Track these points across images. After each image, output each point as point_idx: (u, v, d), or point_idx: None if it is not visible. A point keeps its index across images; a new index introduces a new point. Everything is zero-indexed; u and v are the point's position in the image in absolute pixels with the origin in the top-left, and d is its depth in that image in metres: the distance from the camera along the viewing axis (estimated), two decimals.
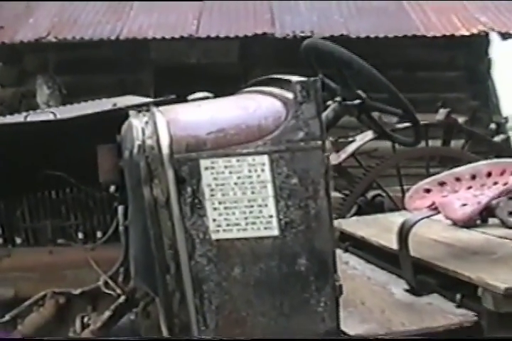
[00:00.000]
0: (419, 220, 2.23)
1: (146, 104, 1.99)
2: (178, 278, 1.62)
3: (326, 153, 1.61)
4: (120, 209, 1.98)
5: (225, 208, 1.64)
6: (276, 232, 1.63)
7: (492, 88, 7.52)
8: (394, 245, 2.42)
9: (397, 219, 3.04)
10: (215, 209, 1.63)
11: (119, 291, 2.00)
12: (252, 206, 1.63)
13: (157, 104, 1.89)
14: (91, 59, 6.53)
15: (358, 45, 6.17)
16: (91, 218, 2.26)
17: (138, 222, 1.75)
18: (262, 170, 1.62)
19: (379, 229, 2.84)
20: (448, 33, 6.18)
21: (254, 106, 1.72)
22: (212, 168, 1.62)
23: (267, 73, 1.95)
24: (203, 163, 1.62)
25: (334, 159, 3.81)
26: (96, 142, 1.97)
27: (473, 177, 2.50)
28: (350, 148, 3.77)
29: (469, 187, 2.45)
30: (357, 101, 2.00)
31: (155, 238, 1.63)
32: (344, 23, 6.28)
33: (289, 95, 1.65)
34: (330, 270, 1.68)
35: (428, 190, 2.49)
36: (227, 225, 1.63)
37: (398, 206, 3.74)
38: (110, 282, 2.01)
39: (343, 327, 1.86)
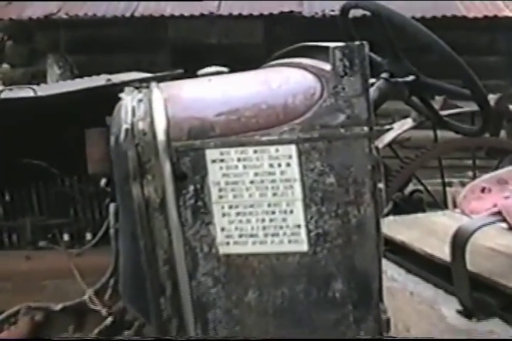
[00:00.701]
0: (479, 228, 1.84)
1: (147, 80, 1.59)
2: (176, 303, 1.31)
3: (374, 143, 1.20)
4: (112, 207, 1.60)
5: (238, 214, 1.28)
6: (304, 247, 1.27)
7: None
8: (442, 253, 2.06)
9: (441, 219, 2.68)
10: (224, 215, 1.28)
11: (104, 311, 1.62)
12: (273, 212, 1.27)
13: (160, 80, 1.49)
14: (104, 37, 6.17)
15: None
16: (78, 217, 1.88)
17: (126, 228, 1.40)
18: (288, 165, 1.24)
19: (421, 233, 2.46)
20: (490, 14, 5.75)
21: (279, 80, 1.32)
22: (222, 160, 1.26)
23: None
24: (210, 153, 1.26)
25: None
26: (84, 125, 1.64)
27: None
28: (388, 138, 3.37)
29: None
30: (410, 78, 1.58)
31: (146, 250, 1.29)
32: (378, 1, 5.85)
33: (326, 66, 1.25)
34: (374, 298, 1.32)
35: (486, 189, 2.08)
36: (240, 236, 1.28)
37: (438, 202, 3.36)
38: (94, 298, 1.63)
39: None
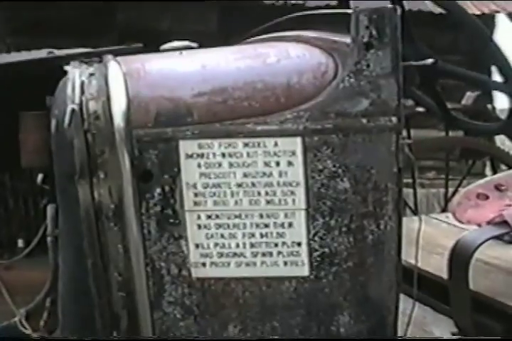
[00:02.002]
0: (484, 241, 1.60)
1: (99, 53, 1.30)
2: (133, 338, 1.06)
3: (403, 138, 0.93)
4: (50, 209, 1.30)
5: (219, 226, 1.01)
6: (305, 271, 1.01)
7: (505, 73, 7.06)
8: (430, 267, 1.82)
9: (416, 226, 2.46)
10: (200, 227, 1.01)
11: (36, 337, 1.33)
12: (266, 225, 1.00)
13: (115, 55, 1.20)
14: (47, 19, 5.81)
15: None
16: (9, 219, 1.58)
17: (69, 240, 1.12)
18: (290, 164, 0.98)
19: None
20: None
21: (277, 54, 1.04)
22: (201, 155, 0.99)
23: None
24: (185, 146, 0.99)
25: None
26: (19, 108, 1.35)
27: None
28: None
29: None
30: (428, 61, 1.32)
31: (95, 271, 1.03)
32: None
33: (339, 38, 0.97)
34: (388, 335, 1.04)
35: (481, 196, 1.85)
36: (221, 255, 1.03)
37: (410, 206, 3.15)
38: (24, 323, 1.34)
39: None
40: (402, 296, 1.98)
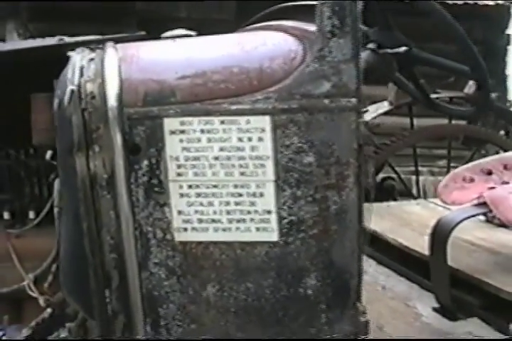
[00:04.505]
0: (462, 220, 1.69)
1: (104, 40, 1.39)
2: (123, 296, 1.14)
3: (361, 117, 1.03)
4: (57, 182, 1.39)
5: (199, 195, 1.10)
6: (274, 236, 1.09)
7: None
8: (417, 246, 1.94)
9: (414, 209, 2.54)
10: (182, 195, 1.10)
11: (42, 300, 1.43)
12: (240, 194, 1.09)
13: (120, 42, 1.29)
14: (68, 7, 5.89)
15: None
16: (21, 193, 1.67)
17: (69, 208, 1.20)
18: (260, 140, 1.06)
19: (394, 222, 2.32)
20: (471, 2, 5.59)
21: (255, 42, 1.14)
22: (183, 131, 1.08)
23: None
24: (169, 123, 1.08)
25: None
26: (31, 90, 1.44)
27: None
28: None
29: None
30: (402, 49, 1.40)
31: (90, 234, 1.11)
32: None
33: (311, 27, 1.06)
34: (351, 297, 1.13)
35: (468, 179, 1.92)
36: (200, 221, 1.10)
37: (411, 191, 3.21)
38: (32, 286, 1.43)
39: None
40: (391, 273, 2.07)
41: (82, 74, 1.11)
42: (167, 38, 1.30)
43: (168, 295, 1.12)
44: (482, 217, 2.21)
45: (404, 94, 3.18)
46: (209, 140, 1.06)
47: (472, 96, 3.31)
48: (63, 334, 1.50)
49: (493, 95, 3.37)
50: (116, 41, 1.29)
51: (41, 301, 1.47)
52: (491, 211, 1.69)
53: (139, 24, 5.45)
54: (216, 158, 1.07)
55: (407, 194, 3.32)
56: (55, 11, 5.86)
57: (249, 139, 1.05)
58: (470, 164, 2.00)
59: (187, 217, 1.09)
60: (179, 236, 1.10)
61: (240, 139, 1.06)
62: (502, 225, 2.21)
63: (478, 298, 1.68)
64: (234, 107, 1.04)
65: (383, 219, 2.37)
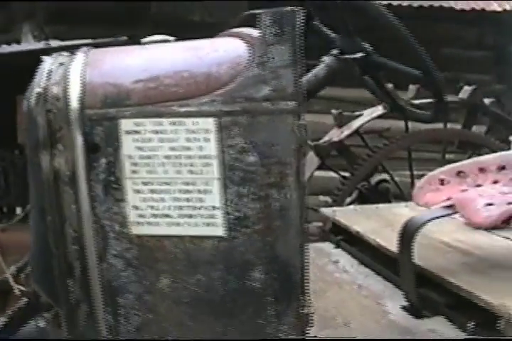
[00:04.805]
0: (428, 221, 1.74)
1: (87, 45, 1.46)
2: (85, 286, 1.20)
3: (301, 120, 1.09)
4: None
5: (152, 191, 1.16)
6: (220, 231, 1.16)
7: None
8: (394, 246, 1.95)
9: (402, 211, 2.58)
10: (137, 191, 1.16)
11: (17, 291, 1.50)
12: (189, 191, 1.15)
13: (102, 46, 1.37)
14: (83, 8, 5.99)
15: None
16: (9, 189, 1.75)
17: (35, 203, 1.27)
18: (206, 140, 1.13)
19: (379, 223, 2.37)
20: (478, 7, 5.62)
21: (209, 48, 1.21)
22: (137, 132, 1.14)
23: None
24: (125, 124, 1.14)
25: (336, 135, 3.30)
26: (18, 92, 1.48)
27: (502, 168, 1.98)
28: (355, 124, 3.24)
29: (495, 182, 1.92)
30: (359, 55, 1.46)
31: (54, 227, 1.18)
32: None
33: (257, 33, 1.13)
34: (295, 290, 1.18)
35: (444, 181, 1.97)
36: (154, 216, 1.17)
37: (405, 194, 3.26)
38: (10, 278, 1.51)
39: None
40: (370, 273, 2.12)
41: (49, 78, 1.18)
42: (145, 43, 1.38)
43: (126, 286, 1.18)
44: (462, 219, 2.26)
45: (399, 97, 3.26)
46: (160, 140, 1.13)
47: (466, 100, 3.38)
48: (40, 323, 1.58)
49: (488, 101, 3.43)
50: (101, 46, 1.37)
51: (16, 291, 1.54)
52: (457, 212, 1.73)
53: (154, 27, 5.55)
54: (167, 157, 1.13)
55: (401, 197, 3.37)
56: (71, 13, 5.97)
57: (197, 140, 1.12)
58: (446, 167, 2.04)
59: (142, 211, 1.15)
60: (135, 230, 1.16)
61: (188, 139, 1.12)
62: (481, 227, 2.26)
63: (445, 297, 1.73)
64: (182, 109, 1.11)
65: (369, 220, 2.43)
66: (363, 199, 3.13)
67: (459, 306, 1.67)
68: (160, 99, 1.13)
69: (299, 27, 1.08)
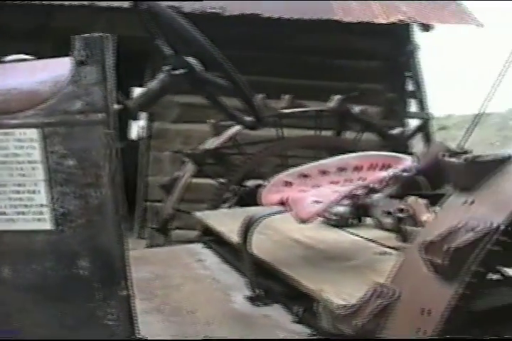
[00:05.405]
0: (262, 217, 1.94)
1: None
2: None
3: (111, 129, 1.28)
4: None
5: None
6: (49, 226, 1.34)
7: (418, 82, 7.32)
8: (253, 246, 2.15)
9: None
10: None
11: None
12: (20, 191, 1.33)
13: None
14: None
15: (271, 25, 5.88)
16: None
17: None
18: (32, 148, 1.31)
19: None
20: (365, 20, 5.91)
21: (40, 68, 1.39)
22: None
23: None
24: None
25: (211, 143, 3.50)
26: None
27: (341, 170, 2.20)
28: (229, 132, 3.45)
29: (334, 182, 2.14)
30: (180, 71, 1.66)
31: None
32: (257, 1, 5.91)
33: None
34: (118, 276, 1.36)
35: (288, 183, 2.18)
36: None
37: None
38: None
39: None
40: (229, 269, 2.30)
41: None
42: (5, 62, 1.55)
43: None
44: (321, 219, 2.48)
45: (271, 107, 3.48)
46: None
47: (335, 109, 3.63)
48: None
49: (357, 109, 3.68)
50: None
51: None
52: (291, 210, 1.92)
53: (57, 41, 5.61)
54: (2, 163, 1.31)
55: None
56: None
57: (24, 147, 1.30)
58: (291, 170, 2.26)
59: None
60: None
61: (17, 147, 1.30)
62: (336, 225, 2.49)
63: (282, 287, 1.94)
64: (12, 122, 1.29)
65: (235, 221, 2.62)
66: (242, 203, 3.31)
67: (295, 295, 1.88)
68: None
69: (108, 50, 1.27)
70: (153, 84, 1.65)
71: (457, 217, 1.24)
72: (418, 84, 7.42)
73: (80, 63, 1.26)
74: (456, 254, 1.16)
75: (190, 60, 1.68)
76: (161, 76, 1.66)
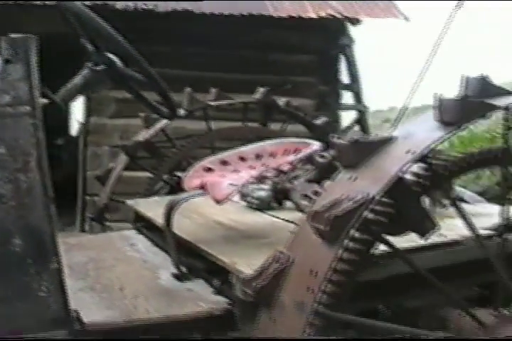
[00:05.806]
0: (182, 200, 2.11)
1: None
2: None
3: (37, 120, 1.44)
4: None
5: None
6: None
7: (353, 75, 7.53)
8: (180, 230, 2.30)
9: (196, 199, 2.94)
10: None
11: None
12: None
13: None
14: None
15: (208, 21, 6.03)
16: None
17: None
18: None
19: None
20: (295, 15, 6.10)
21: None
22: None
23: None
24: None
25: (143, 136, 3.66)
26: None
27: (258, 156, 2.38)
28: (159, 125, 3.61)
29: (252, 167, 2.33)
30: (100, 67, 1.81)
31: None
32: None
33: None
34: (49, 252, 1.52)
35: (209, 169, 2.35)
36: None
37: None
38: None
39: (85, 314, 1.73)
40: (159, 251, 2.45)
41: None
42: None
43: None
44: (244, 203, 2.65)
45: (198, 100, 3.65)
46: None
47: (261, 100, 3.81)
48: None
49: (281, 102, 3.86)
50: None
51: None
52: (208, 193, 2.09)
53: None
54: None
55: None
56: None
57: None
58: (212, 157, 2.43)
59: None
60: None
61: None
62: (258, 209, 2.66)
63: (204, 264, 2.11)
64: None
65: (162, 207, 2.78)
66: (173, 192, 3.46)
67: (215, 270, 2.05)
68: None
69: (32, 49, 1.43)
70: (77, 79, 1.81)
71: (342, 191, 1.43)
72: (353, 77, 7.65)
73: (6, 62, 1.42)
74: (336, 221, 1.35)
75: (111, 56, 1.84)
76: (84, 72, 1.82)
